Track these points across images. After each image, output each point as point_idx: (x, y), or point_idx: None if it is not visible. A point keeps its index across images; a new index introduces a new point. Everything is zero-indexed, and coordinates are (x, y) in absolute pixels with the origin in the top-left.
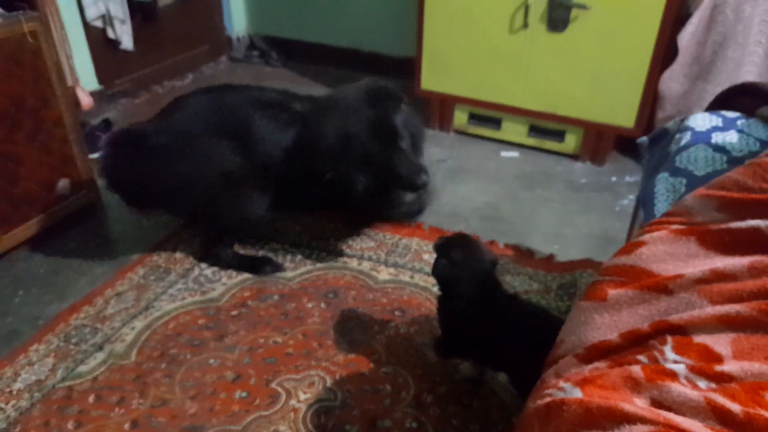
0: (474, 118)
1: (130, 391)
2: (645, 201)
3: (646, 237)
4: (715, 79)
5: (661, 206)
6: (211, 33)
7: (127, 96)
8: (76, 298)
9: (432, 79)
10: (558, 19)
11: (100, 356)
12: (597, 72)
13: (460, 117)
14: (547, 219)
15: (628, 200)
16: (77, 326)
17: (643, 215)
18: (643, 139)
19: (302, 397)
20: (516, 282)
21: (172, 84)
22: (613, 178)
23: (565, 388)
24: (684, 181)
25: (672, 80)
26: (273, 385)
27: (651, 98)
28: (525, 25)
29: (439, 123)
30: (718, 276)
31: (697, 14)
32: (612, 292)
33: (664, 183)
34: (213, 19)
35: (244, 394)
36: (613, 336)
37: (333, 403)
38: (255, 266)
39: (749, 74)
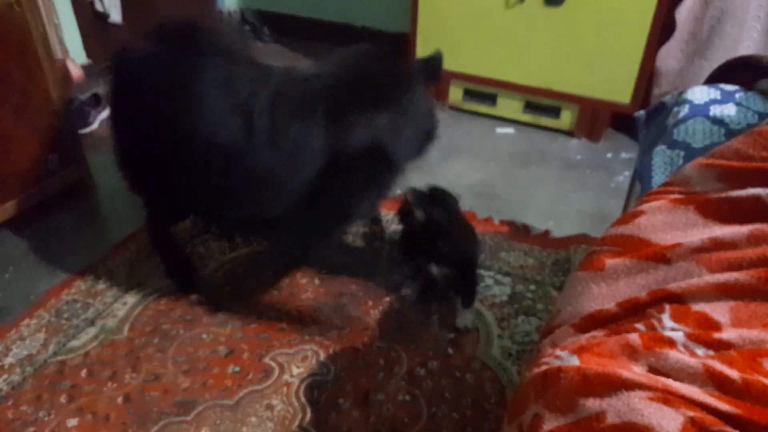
0: (469, 94)
1: (122, 367)
2: (642, 174)
3: (645, 207)
4: (713, 55)
5: (658, 179)
6: (201, 7)
7: None
8: (68, 275)
9: (428, 53)
10: None
11: (92, 331)
12: (593, 47)
13: (455, 93)
14: (542, 196)
15: (624, 177)
16: (69, 301)
17: (640, 188)
18: (640, 113)
19: (295, 371)
20: (511, 258)
21: None
22: (609, 155)
23: (562, 357)
24: (682, 153)
25: (669, 57)
26: (266, 359)
27: (647, 74)
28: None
29: (435, 99)
30: (717, 244)
31: None
32: (610, 262)
33: (661, 156)
34: None
35: (237, 369)
36: (610, 305)
37: (326, 378)
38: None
39: (747, 50)
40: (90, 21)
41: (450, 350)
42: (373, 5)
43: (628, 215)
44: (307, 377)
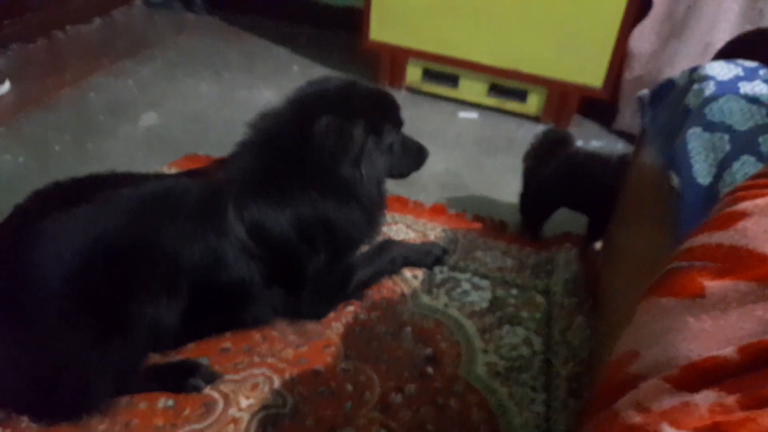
0: (428, 75)
1: None
2: (675, 162)
3: (748, 206)
4: (688, 37)
5: (700, 167)
6: None
7: (20, 40)
8: None
9: (382, 30)
10: None
11: None
12: (564, 25)
13: (413, 73)
14: (513, 187)
15: None
16: None
17: (679, 180)
18: (644, 92)
19: (244, 403)
20: (487, 258)
21: (77, 29)
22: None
23: None
24: (726, 136)
25: (642, 38)
26: (207, 390)
27: (621, 56)
28: None
29: (390, 80)
30: None
31: None
32: (711, 285)
33: (698, 140)
34: None
35: (169, 403)
36: (725, 350)
37: (282, 410)
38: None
39: (724, 33)
40: None
41: (429, 369)
42: None
43: (724, 217)
44: (258, 410)
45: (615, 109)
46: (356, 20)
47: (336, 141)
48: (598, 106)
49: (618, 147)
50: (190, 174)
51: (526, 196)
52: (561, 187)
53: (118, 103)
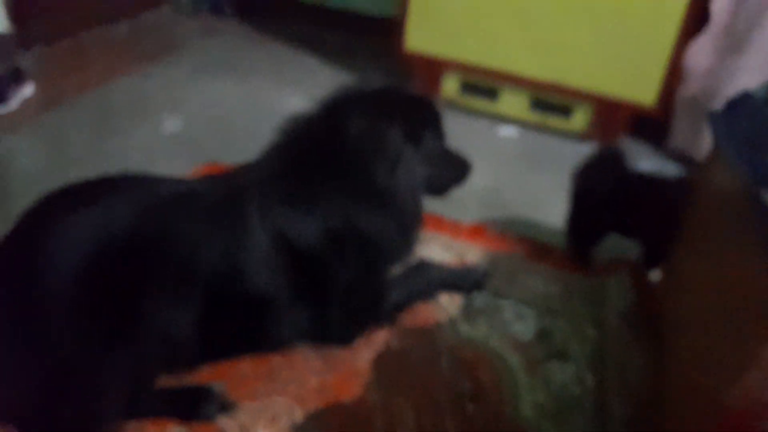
0: (466, 87)
1: None
2: None
3: None
4: (750, 51)
5: None
6: None
7: (44, 41)
8: None
9: (419, 38)
10: None
11: None
12: (615, 37)
13: (450, 85)
14: (558, 208)
15: None
16: None
17: None
18: (716, 110)
19: None
20: (532, 284)
21: (103, 30)
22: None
23: None
24: None
25: (699, 53)
26: (221, 418)
27: (677, 72)
28: None
29: (425, 92)
30: None
31: None
32: None
33: None
34: None
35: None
36: None
37: None
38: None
39: None
40: None
41: (469, 405)
42: None
43: None
44: None
45: (667, 128)
46: (388, 29)
47: (371, 144)
48: (648, 124)
49: (670, 168)
50: (212, 177)
51: (575, 218)
52: (615, 210)
53: (142, 105)
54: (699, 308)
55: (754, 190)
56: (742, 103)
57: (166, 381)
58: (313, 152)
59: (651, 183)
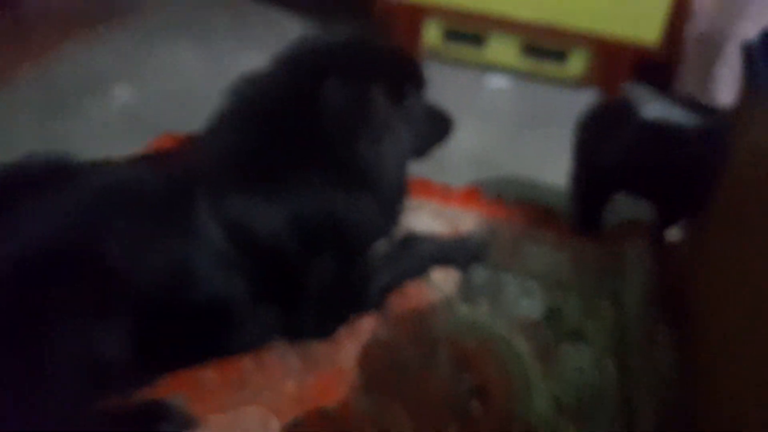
0: (451, 35)
1: None
2: None
3: None
4: None
5: None
6: None
7: None
8: None
9: None
10: None
11: None
12: None
13: (432, 34)
14: (559, 166)
15: None
16: None
17: None
18: (750, 40)
19: None
20: (537, 254)
21: None
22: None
23: None
24: None
25: None
26: None
27: (682, 7)
28: None
29: (405, 43)
30: None
31: None
32: None
33: None
34: None
35: None
36: None
37: None
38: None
39: None
40: None
41: (474, 404)
42: None
43: None
44: None
45: (674, 71)
46: None
47: (353, 110)
48: (653, 67)
49: (679, 114)
50: (149, 159)
51: (580, 177)
52: (627, 167)
53: (90, 77)
54: (738, 287)
55: None
56: None
57: (113, 401)
58: (275, 123)
59: (666, 134)
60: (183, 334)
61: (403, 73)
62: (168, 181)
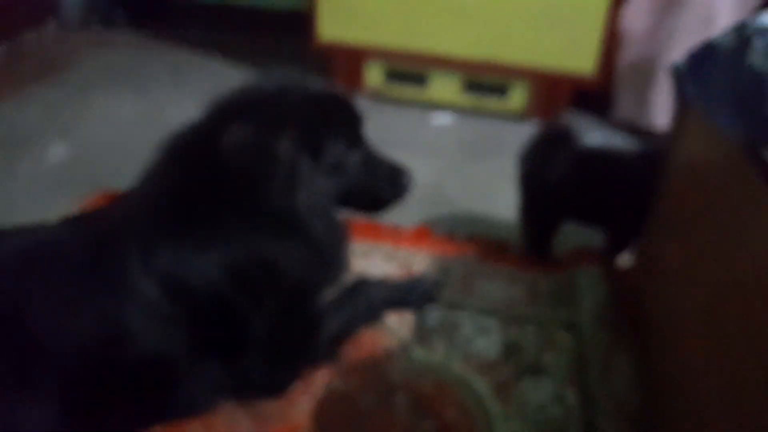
0: (392, 76)
1: None
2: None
3: None
4: (685, 13)
5: None
6: None
7: None
8: None
9: (334, 26)
10: None
11: None
12: (547, 5)
13: (373, 75)
14: (507, 199)
15: None
16: None
17: None
18: (678, 63)
19: None
20: (490, 289)
21: None
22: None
23: None
24: None
25: (635, 16)
26: None
27: (614, 36)
28: None
29: (347, 85)
30: None
31: None
32: None
33: None
34: None
35: None
36: None
37: None
38: None
39: (724, 4)
40: None
41: None
42: None
43: None
44: None
45: (610, 98)
46: (303, 25)
47: (253, 160)
48: (590, 96)
49: (619, 140)
50: (79, 219)
51: (527, 206)
52: (570, 193)
53: (19, 136)
54: (685, 299)
55: (750, 151)
56: (708, 55)
57: None
58: (195, 173)
59: (607, 159)
60: (121, 397)
61: (325, 121)
62: (97, 239)
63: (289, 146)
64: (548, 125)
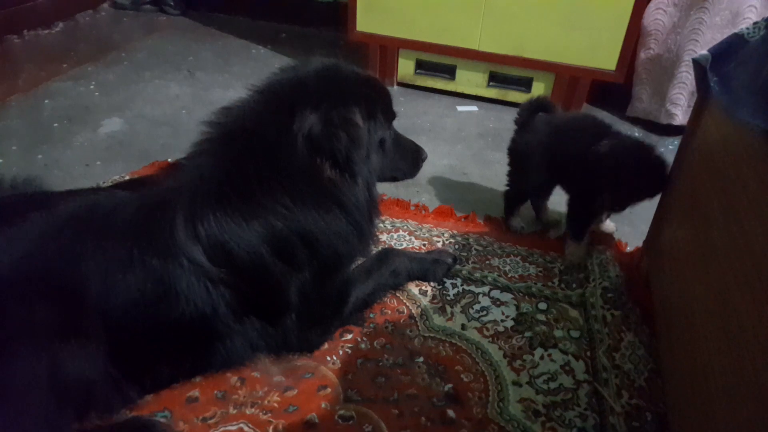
0: (422, 67)
1: None
2: None
3: None
4: (713, 6)
5: None
6: None
7: None
8: None
9: (369, 20)
10: None
11: None
12: (572, 4)
13: (405, 66)
14: None
15: None
16: None
17: None
18: (703, 55)
19: None
20: (507, 266)
21: (36, 33)
22: None
23: None
24: None
25: (659, 11)
26: None
27: (636, 34)
28: None
29: (380, 74)
30: None
31: None
32: None
33: None
34: None
35: None
36: None
37: None
38: None
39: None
40: None
41: (450, 411)
42: None
43: None
44: None
45: (629, 94)
46: (341, 15)
47: (343, 136)
48: (610, 92)
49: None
50: (129, 185)
51: (509, 170)
52: (543, 150)
53: (77, 109)
54: (701, 284)
55: None
56: (734, 49)
57: (100, 421)
58: (250, 147)
59: (575, 124)
60: (166, 352)
61: (375, 101)
62: (149, 203)
63: (362, 120)
64: (531, 99)
